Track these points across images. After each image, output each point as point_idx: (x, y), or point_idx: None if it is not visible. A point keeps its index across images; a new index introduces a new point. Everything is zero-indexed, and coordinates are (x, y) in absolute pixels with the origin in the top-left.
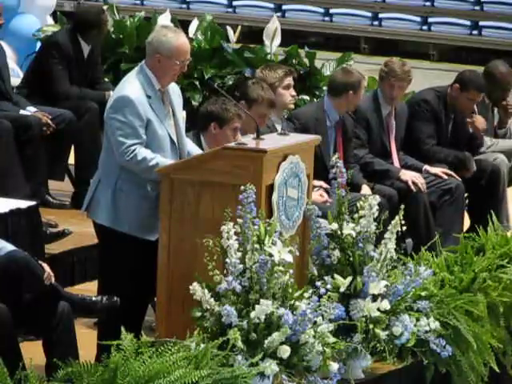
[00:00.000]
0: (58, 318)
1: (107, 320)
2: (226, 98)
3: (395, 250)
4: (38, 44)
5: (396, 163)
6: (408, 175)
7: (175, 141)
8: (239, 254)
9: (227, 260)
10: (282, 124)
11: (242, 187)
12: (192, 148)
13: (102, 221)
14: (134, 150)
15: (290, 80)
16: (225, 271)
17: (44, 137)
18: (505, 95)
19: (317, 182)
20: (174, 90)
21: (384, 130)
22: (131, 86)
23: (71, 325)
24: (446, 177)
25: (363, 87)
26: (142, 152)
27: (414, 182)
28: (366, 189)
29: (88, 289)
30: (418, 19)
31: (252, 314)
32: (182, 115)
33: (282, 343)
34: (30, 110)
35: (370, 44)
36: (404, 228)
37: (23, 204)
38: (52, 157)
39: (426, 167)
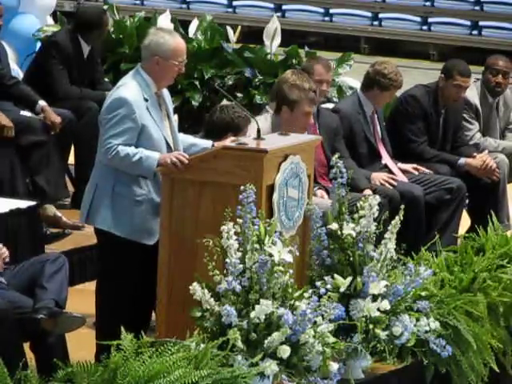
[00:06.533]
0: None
1: (106, 322)
2: (228, 99)
3: (395, 249)
4: (38, 44)
5: (388, 161)
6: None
7: (171, 144)
8: (239, 254)
9: (227, 260)
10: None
11: (242, 187)
12: (194, 140)
13: (101, 225)
14: (116, 148)
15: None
16: (225, 271)
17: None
18: None
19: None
20: (166, 93)
21: (370, 130)
22: (128, 89)
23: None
24: (416, 172)
25: None
26: (125, 149)
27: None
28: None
29: (88, 289)
30: (418, 19)
31: (252, 314)
32: (175, 118)
33: (282, 343)
34: (39, 105)
35: (370, 44)
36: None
37: (23, 204)
38: None
39: (399, 165)
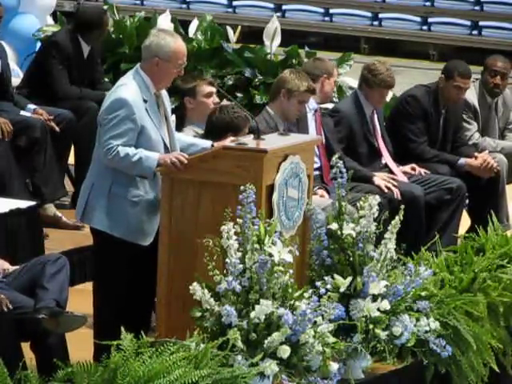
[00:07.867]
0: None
1: (103, 321)
2: (227, 99)
3: (395, 249)
4: (38, 44)
5: (389, 161)
6: (381, 180)
7: (168, 144)
8: (239, 254)
9: (227, 260)
10: (283, 124)
11: (242, 187)
12: (193, 140)
13: (97, 225)
14: (116, 148)
15: (308, 98)
16: (225, 271)
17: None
18: None
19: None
20: (165, 94)
21: (370, 130)
22: (128, 89)
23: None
24: (414, 172)
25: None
26: (125, 149)
27: (387, 187)
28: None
29: (88, 289)
30: (418, 19)
31: (252, 314)
32: (172, 119)
33: (281, 343)
34: (30, 108)
35: (369, 44)
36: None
37: (23, 204)
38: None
39: (401, 168)
